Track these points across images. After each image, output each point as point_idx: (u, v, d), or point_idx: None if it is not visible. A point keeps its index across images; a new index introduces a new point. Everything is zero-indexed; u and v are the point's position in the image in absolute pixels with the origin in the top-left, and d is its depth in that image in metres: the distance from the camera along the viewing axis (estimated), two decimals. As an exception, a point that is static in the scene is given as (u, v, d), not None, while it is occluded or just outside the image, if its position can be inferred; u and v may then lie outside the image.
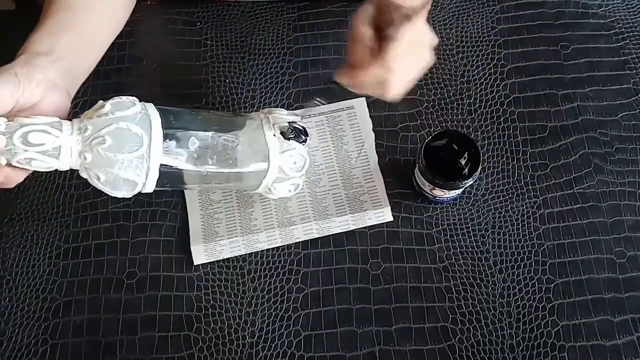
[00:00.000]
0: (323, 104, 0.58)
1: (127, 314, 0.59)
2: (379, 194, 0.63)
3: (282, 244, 0.61)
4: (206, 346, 0.57)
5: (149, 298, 0.59)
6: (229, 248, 0.61)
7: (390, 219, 0.62)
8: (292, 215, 0.62)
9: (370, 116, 0.68)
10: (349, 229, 0.62)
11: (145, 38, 0.73)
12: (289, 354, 0.57)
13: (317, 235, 0.61)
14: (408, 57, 0.48)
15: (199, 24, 0.74)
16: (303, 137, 0.57)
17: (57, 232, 0.62)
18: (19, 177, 0.46)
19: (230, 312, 0.59)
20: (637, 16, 0.74)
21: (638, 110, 0.68)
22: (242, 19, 0.75)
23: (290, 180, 0.57)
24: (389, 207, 0.62)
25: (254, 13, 0.75)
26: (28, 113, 0.45)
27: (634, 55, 0.71)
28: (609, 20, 0.74)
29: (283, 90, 0.70)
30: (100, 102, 0.48)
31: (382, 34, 0.48)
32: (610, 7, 0.75)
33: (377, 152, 0.66)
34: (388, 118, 0.68)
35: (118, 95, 0.49)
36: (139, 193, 0.49)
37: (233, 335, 0.58)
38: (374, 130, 0.67)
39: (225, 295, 0.60)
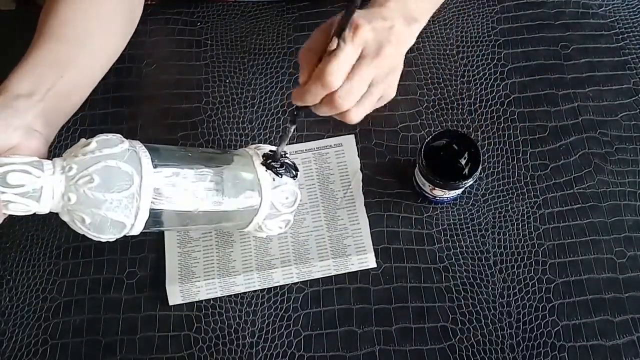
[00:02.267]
0: (295, 129, 0.52)
1: (127, 314, 0.59)
2: (363, 238, 0.61)
3: (260, 287, 0.59)
4: (206, 346, 0.57)
5: (149, 298, 0.59)
6: (205, 290, 0.59)
7: (374, 265, 0.60)
8: (272, 258, 0.60)
9: (359, 148, 0.66)
10: (330, 274, 0.60)
11: (145, 38, 0.73)
12: (289, 354, 0.57)
13: (296, 280, 0.60)
14: (359, 71, 0.43)
15: (199, 24, 0.74)
16: (294, 172, 0.56)
17: (57, 232, 0.62)
18: None
19: (230, 312, 0.59)
20: (637, 16, 0.74)
21: (638, 110, 0.68)
22: (242, 19, 0.75)
23: (281, 216, 0.56)
24: (373, 253, 0.60)
25: (254, 13, 0.75)
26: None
27: (634, 55, 0.71)
28: (609, 20, 0.74)
29: (283, 90, 0.70)
30: (83, 140, 0.46)
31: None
32: (610, 7, 0.75)
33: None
34: (388, 118, 0.68)
35: (104, 133, 0.46)
36: (124, 236, 0.47)
37: (233, 335, 0.58)
38: (361, 165, 0.66)
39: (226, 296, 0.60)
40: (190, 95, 0.70)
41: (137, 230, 0.46)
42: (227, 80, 0.71)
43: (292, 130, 0.52)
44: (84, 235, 0.46)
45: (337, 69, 0.42)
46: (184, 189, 0.49)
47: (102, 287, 0.60)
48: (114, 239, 0.47)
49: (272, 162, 0.54)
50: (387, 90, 0.49)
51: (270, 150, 0.56)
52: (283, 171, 0.55)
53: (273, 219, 0.56)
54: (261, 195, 0.54)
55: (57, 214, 0.46)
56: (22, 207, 0.42)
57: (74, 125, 0.67)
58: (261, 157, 0.55)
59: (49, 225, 0.63)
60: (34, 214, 0.44)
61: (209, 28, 0.74)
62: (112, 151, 0.44)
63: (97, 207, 0.43)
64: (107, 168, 0.43)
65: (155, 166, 0.46)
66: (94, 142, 0.45)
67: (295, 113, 0.50)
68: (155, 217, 0.47)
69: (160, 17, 0.74)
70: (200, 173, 0.50)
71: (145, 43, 0.73)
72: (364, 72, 0.44)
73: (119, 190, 0.43)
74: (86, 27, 0.53)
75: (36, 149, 0.45)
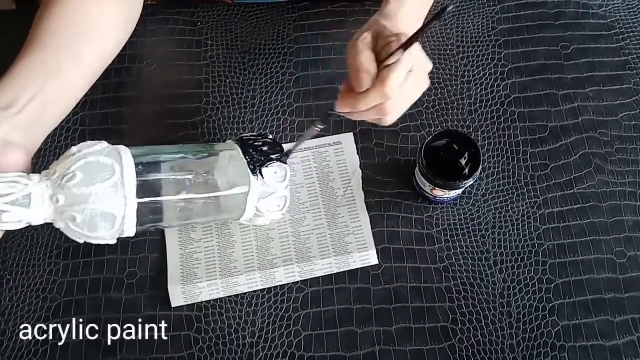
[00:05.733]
0: (322, 129, 0.53)
1: (127, 314, 0.59)
2: (364, 234, 0.61)
3: (262, 287, 0.59)
4: (206, 346, 0.57)
5: (149, 298, 0.59)
6: (207, 291, 0.59)
7: (376, 262, 0.60)
8: (274, 257, 0.60)
9: (359, 148, 0.66)
10: (332, 272, 0.60)
11: (145, 38, 0.73)
12: (289, 354, 0.57)
13: (299, 278, 0.60)
14: (407, 84, 0.47)
15: (199, 24, 0.74)
16: (277, 148, 0.56)
17: (57, 232, 0.62)
18: None
19: (230, 312, 0.59)
20: (637, 16, 0.74)
21: (638, 110, 0.68)
22: (242, 19, 0.75)
23: (275, 193, 0.55)
24: (374, 250, 0.60)
25: (254, 13, 0.75)
26: None
27: (634, 55, 0.71)
28: (609, 20, 0.74)
29: (283, 90, 0.70)
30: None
31: (381, 61, 0.47)
32: (610, 7, 0.75)
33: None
34: (388, 118, 0.68)
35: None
36: (119, 239, 0.47)
37: (233, 335, 0.58)
38: (361, 164, 0.66)
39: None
40: (190, 95, 0.70)
41: (129, 223, 0.46)
42: (227, 80, 0.71)
43: (319, 129, 0.53)
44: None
45: (398, 79, 0.46)
46: (169, 178, 0.50)
47: (102, 287, 0.60)
48: (112, 240, 0.47)
49: (253, 142, 0.55)
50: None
51: (252, 135, 0.57)
52: (266, 148, 0.55)
53: (267, 197, 0.55)
54: (248, 173, 0.54)
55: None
56: (14, 217, 0.43)
57: (74, 125, 0.67)
58: (240, 141, 0.56)
59: (49, 225, 0.62)
60: (31, 225, 0.45)
61: (209, 28, 0.74)
62: (91, 150, 0.46)
63: (84, 201, 0.44)
64: (87, 163, 0.45)
65: (137, 163, 0.47)
66: (75, 148, 0.46)
67: (329, 114, 0.51)
68: (146, 210, 0.48)
69: (160, 17, 0.74)
70: (184, 159, 0.52)
71: (145, 43, 0.73)
72: (412, 84, 0.48)
73: (101, 180, 0.44)
74: (74, 36, 0.52)
75: (15, 162, 0.44)
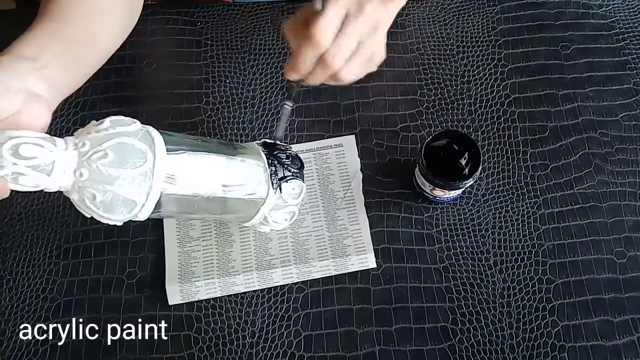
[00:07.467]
0: (291, 107, 0.54)
1: (127, 314, 0.59)
2: (363, 238, 0.61)
3: (259, 287, 0.59)
4: (206, 346, 0.57)
5: (149, 298, 0.59)
6: (204, 290, 0.59)
7: (374, 265, 0.60)
8: (272, 258, 0.60)
9: (359, 148, 0.66)
10: (330, 275, 0.60)
11: (145, 38, 0.73)
12: (289, 354, 0.57)
13: (296, 280, 0.59)
14: (346, 29, 0.46)
15: (199, 24, 0.74)
16: (298, 163, 0.56)
17: (57, 232, 0.62)
18: (4, 192, 0.42)
19: (230, 312, 0.59)
20: (637, 16, 0.74)
21: (638, 111, 0.68)
22: (242, 19, 0.75)
23: (287, 207, 0.56)
24: (373, 253, 0.60)
25: (254, 13, 0.75)
26: (4, 125, 0.41)
27: (634, 56, 0.71)
28: (609, 20, 0.74)
29: (283, 90, 0.70)
30: (94, 121, 0.45)
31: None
32: (610, 7, 0.75)
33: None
34: (388, 118, 0.68)
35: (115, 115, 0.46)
36: (130, 221, 0.46)
37: (233, 335, 0.58)
38: (361, 165, 0.66)
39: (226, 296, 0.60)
40: (190, 95, 0.70)
41: (145, 212, 0.45)
42: (227, 80, 0.71)
43: (290, 107, 0.53)
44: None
45: (325, 27, 0.45)
46: (195, 173, 0.49)
47: (102, 287, 0.60)
48: (121, 223, 0.46)
49: (277, 152, 0.55)
50: (376, 50, 0.51)
51: (276, 143, 0.57)
52: (289, 162, 0.55)
53: (279, 210, 0.55)
54: (269, 184, 0.53)
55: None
56: (30, 182, 0.41)
57: (74, 125, 0.67)
58: (265, 148, 0.55)
59: (49, 225, 0.63)
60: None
61: (209, 28, 0.74)
62: (126, 129, 0.44)
63: (109, 183, 0.42)
64: (121, 144, 0.43)
65: (167, 149, 0.46)
66: (107, 121, 0.44)
67: (288, 87, 0.52)
68: (163, 200, 0.47)
69: (160, 17, 0.74)
70: (211, 159, 0.50)
71: (145, 43, 0.73)
72: (350, 29, 0.46)
73: (132, 167, 0.43)
74: (86, 11, 0.52)
75: (39, 116, 0.44)
